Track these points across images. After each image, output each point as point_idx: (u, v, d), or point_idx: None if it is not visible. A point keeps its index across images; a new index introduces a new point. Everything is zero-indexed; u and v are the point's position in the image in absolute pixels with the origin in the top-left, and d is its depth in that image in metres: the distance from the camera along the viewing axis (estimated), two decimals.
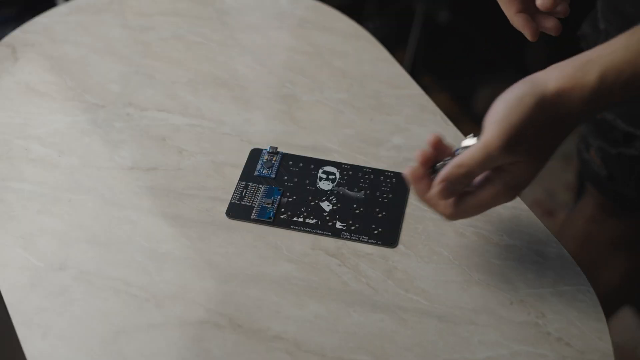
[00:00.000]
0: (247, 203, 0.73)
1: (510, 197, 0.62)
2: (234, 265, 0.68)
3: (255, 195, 0.74)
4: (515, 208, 0.73)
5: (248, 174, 0.76)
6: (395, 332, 0.64)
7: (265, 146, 0.78)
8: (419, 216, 0.72)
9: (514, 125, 0.59)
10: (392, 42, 1.86)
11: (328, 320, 0.64)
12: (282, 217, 0.72)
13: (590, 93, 0.59)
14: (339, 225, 0.71)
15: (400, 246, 0.70)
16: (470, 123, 1.90)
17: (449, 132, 0.80)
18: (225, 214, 0.72)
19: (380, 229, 0.71)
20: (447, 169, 0.61)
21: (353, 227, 0.71)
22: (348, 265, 0.68)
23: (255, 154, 0.78)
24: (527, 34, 0.68)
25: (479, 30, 1.91)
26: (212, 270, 0.67)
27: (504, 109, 0.60)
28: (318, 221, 0.71)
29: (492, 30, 1.90)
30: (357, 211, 0.72)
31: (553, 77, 0.60)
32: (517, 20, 0.69)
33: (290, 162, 0.77)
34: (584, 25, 0.93)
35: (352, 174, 0.75)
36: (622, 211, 1.04)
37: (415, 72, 1.78)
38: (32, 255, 0.68)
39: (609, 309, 1.16)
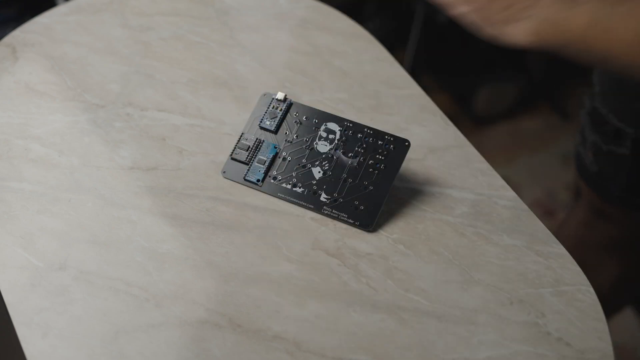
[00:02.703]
0: (244, 160, 0.74)
1: None
2: (234, 265, 0.68)
3: (253, 151, 0.74)
4: (515, 208, 0.73)
5: (252, 124, 0.76)
6: (395, 332, 0.64)
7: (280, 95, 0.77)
8: (419, 216, 0.72)
9: None
10: (392, 42, 1.86)
11: (328, 320, 0.64)
12: (272, 181, 0.72)
13: None
14: (323, 197, 0.71)
15: (400, 246, 0.70)
16: (470, 123, 1.90)
17: (448, 132, 0.80)
18: (221, 174, 0.74)
19: (361, 207, 0.70)
20: None
21: (336, 202, 0.71)
22: (348, 265, 0.68)
23: (265, 100, 0.77)
24: None
25: None
26: (212, 270, 0.67)
27: None
28: (305, 190, 0.71)
29: None
30: (346, 182, 0.72)
31: None
32: None
33: (296, 113, 0.76)
34: None
35: (351, 134, 0.74)
36: (613, 213, 1.05)
37: (415, 72, 1.79)
38: (32, 255, 0.68)
39: (605, 312, 1.17)
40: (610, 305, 1.22)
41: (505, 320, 0.65)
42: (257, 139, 0.75)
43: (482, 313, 0.65)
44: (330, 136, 0.74)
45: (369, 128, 0.74)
